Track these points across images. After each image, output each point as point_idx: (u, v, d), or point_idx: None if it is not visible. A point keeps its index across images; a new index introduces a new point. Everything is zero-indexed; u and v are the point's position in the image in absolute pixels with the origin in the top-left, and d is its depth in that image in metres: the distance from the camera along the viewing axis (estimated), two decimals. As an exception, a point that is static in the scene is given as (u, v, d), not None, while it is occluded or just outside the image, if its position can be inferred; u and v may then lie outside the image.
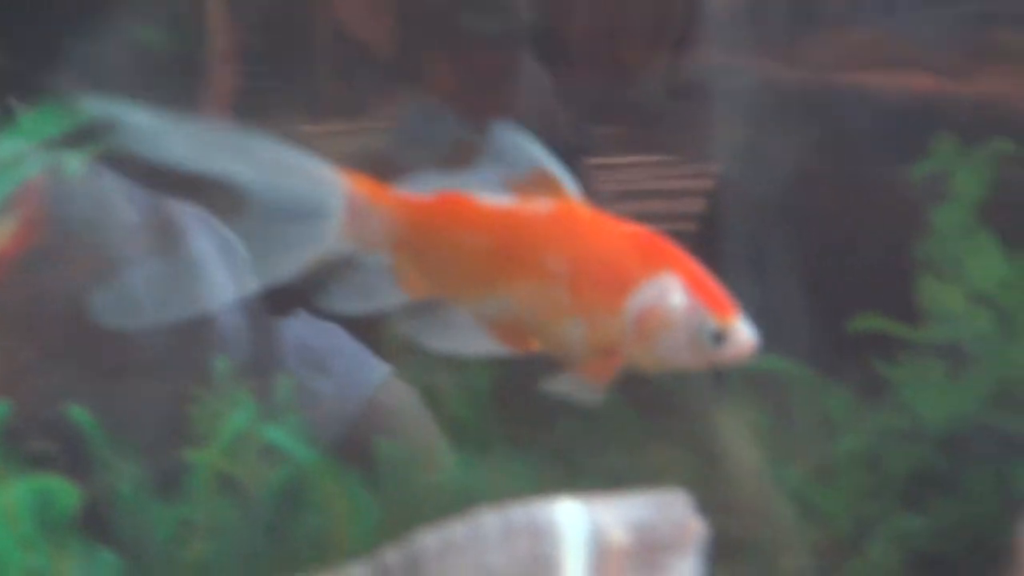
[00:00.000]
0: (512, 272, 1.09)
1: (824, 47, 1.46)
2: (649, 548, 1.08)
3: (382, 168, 1.12)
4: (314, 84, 1.47)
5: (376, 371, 1.42)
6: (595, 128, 1.51)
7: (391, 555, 1.09)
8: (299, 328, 1.41)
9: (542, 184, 1.09)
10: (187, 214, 1.36)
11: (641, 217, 1.11)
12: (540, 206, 1.08)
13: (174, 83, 1.39)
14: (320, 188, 1.09)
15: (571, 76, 1.48)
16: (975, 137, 1.36)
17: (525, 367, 1.15)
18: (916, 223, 1.36)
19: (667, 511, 1.10)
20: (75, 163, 1.27)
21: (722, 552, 1.19)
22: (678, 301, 1.06)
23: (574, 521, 1.07)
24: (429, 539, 1.08)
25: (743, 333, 1.07)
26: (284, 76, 1.46)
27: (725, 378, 1.31)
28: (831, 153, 1.41)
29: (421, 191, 1.10)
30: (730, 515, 1.33)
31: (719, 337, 1.07)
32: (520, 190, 1.09)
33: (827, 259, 1.41)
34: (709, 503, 1.12)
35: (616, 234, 1.08)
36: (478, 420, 1.38)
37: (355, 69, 1.46)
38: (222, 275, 1.19)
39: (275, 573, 1.26)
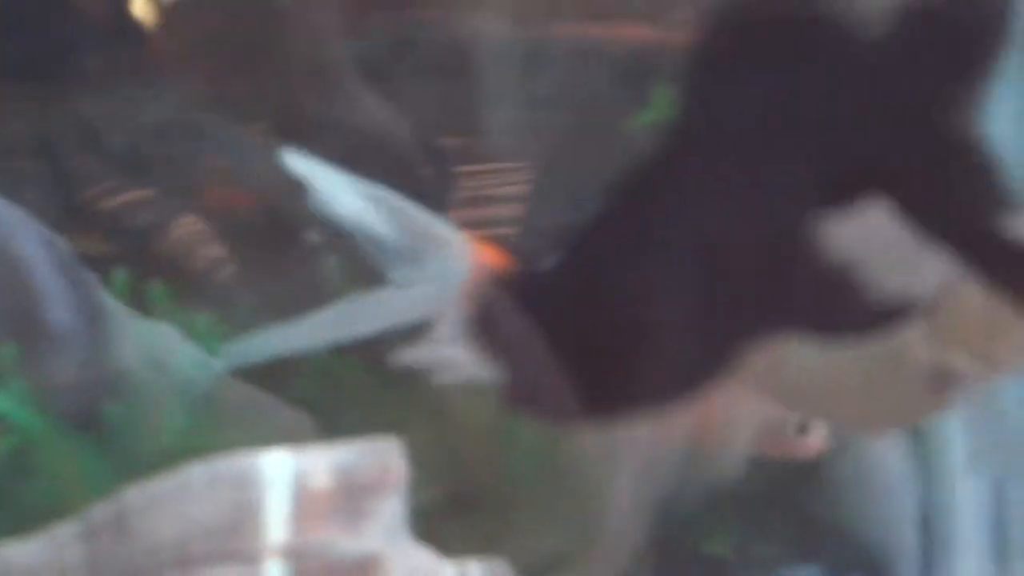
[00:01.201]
0: None
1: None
2: (352, 491, 1.08)
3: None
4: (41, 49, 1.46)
5: (212, 369, 1.42)
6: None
7: (98, 512, 1.08)
8: (135, 327, 1.40)
9: None
10: (8, 214, 1.35)
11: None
12: None
13: None
14: (448, 257, 1.09)
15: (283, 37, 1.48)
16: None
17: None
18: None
19: (372, 457, 1.10)
20: None
21: (458, 508, 1.20)
22: None
23: (277, 468, 1.07)
24: (135, 493, 1.08)
25: None
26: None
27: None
28: (554, 107, 1.43)
29: None
30: (466, 472, 1.34)
31: None
32: None
33: (552, 211, 1.43)
34: (444, 461, 1.13)
35: None
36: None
37: (74, 34, 1.45)
38: (52, 276, 1.19)
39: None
